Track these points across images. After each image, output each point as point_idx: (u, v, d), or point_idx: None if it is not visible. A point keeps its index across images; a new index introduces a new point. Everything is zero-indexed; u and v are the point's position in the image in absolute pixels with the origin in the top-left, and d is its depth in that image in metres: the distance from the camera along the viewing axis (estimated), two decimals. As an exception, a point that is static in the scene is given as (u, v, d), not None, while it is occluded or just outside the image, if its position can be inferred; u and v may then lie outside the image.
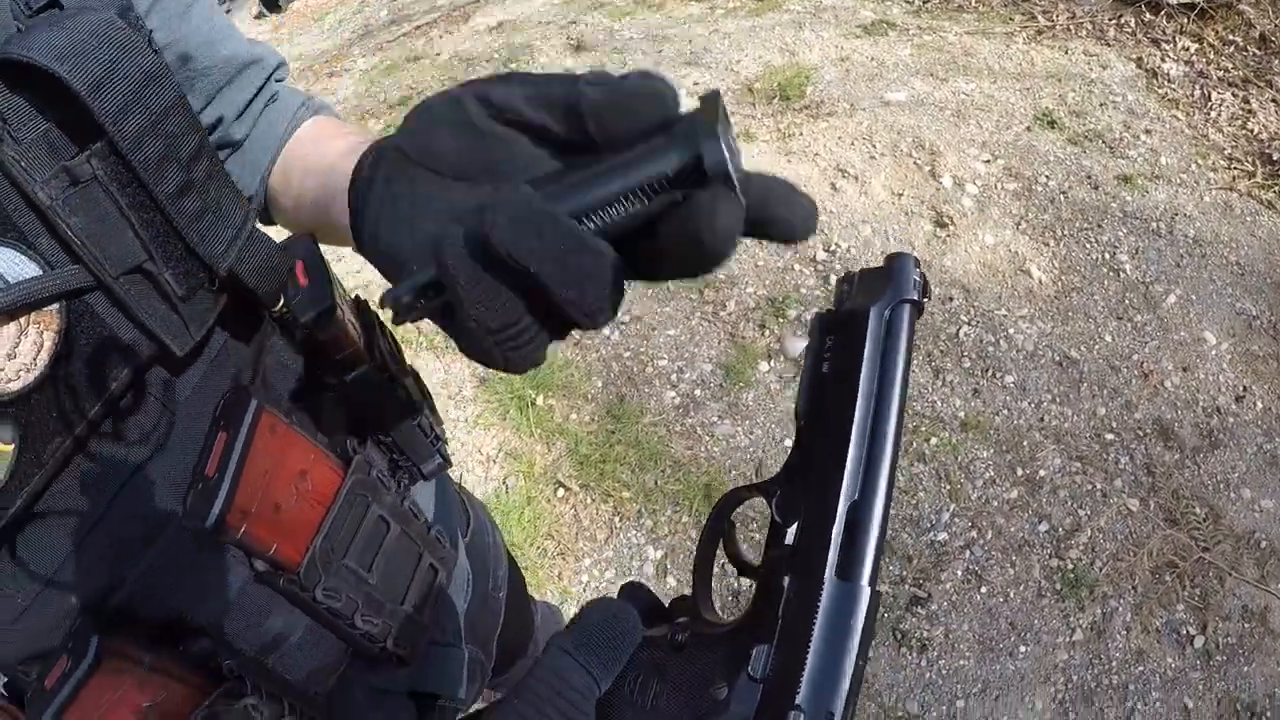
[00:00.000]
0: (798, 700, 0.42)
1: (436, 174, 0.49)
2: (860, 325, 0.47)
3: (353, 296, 0.84)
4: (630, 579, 0.61)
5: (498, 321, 0.43)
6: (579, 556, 2.35)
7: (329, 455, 0.70)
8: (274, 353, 0.76)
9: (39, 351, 0.53)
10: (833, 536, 0.44)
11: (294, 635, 0.73)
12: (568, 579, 2.32)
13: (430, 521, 0.83)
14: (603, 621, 0.49)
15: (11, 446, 0.53)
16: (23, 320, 0.53)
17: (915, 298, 0.47)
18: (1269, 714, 2.20)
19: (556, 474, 2.45)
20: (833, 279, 2.90)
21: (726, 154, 0.40)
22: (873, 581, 0.44)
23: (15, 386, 0.53)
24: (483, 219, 0.41)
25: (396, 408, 0.84)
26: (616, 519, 2.39)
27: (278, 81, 0.85)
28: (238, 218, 0.62)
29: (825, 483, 0.46)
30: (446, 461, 0.94)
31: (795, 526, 0.47)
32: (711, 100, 0.42)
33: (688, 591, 0.56)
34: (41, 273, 0.52)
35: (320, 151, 0.80)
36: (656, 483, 2.43)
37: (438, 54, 3.77)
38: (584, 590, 2.30)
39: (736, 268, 2.93)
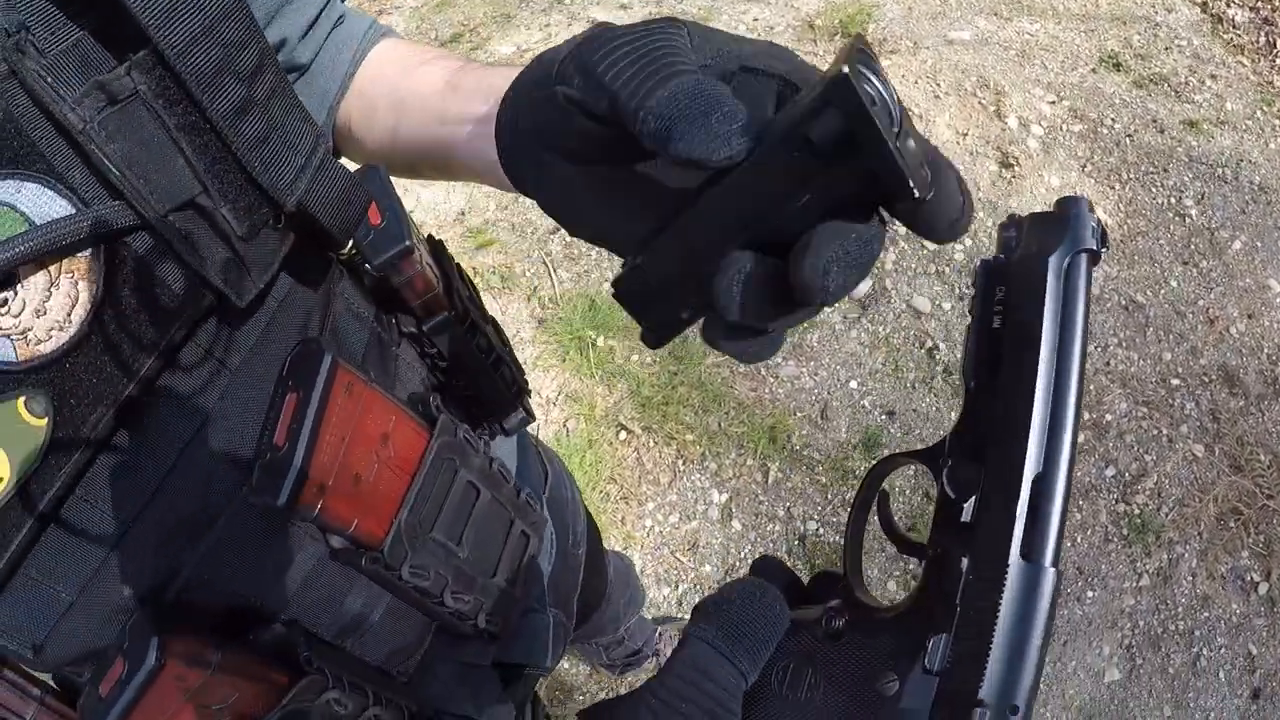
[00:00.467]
0: (980, 694, 0.37)
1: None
2: (1038, 276, 0.41)
3: (426, 235, 0.74)
4: (764, 553, 0.52)
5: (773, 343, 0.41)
6: (642, 501, 2.25)
7: (411, 416, 0.60)
8: (343, 300, 0.65)
9: (73, 306, 0.43)
10: (1017, 513, 0.39)
11: (375, 614, 0.64)
12: (631, 524, 2.22)
13: (518, 484, 0.73)
14: (747, 607, 0.42)
15: (45, 420, 0.42)
16: (53, 269, 0.42)
17: (1094, 247, 0.41)
18: (1340, 665, 2.08)
19: (618, 416, 2.33)
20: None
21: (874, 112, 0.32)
22: (1056, 562, 0.39)
23: (47, 349, 0.42)
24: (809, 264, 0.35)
25: (478, 358, 0.75)
26: (680, 462, 2.29)
27: (342, 1, 0.73)
28: (307, 143, 0.51)
29: (1007, 453, 0.40)
30: (530, 415, 0.84)
31: (973, 501, 0.41)
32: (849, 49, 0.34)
33: (816, 561, 0.47)
34: (74, 211, 0.42)
35: (415, 82, 0.69)
36: (720, 425, 2.32)
37: None
38: (647, 535, 2.21)
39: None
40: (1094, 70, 3.13)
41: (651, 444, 2.31)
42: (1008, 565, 0.38)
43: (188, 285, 0.47)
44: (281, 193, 0.49)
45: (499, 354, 0.79)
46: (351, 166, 0.62)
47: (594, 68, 0.37)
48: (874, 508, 0.50)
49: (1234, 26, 3.41)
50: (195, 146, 0.44)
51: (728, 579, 2.14)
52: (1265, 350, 2.51)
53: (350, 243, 0.63)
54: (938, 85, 2.99)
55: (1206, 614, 2.13)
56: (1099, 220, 0.41)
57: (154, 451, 0.50)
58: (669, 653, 2.08)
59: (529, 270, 2.58)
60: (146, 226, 0.44)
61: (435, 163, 0.69)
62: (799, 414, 2.34)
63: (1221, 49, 3.31)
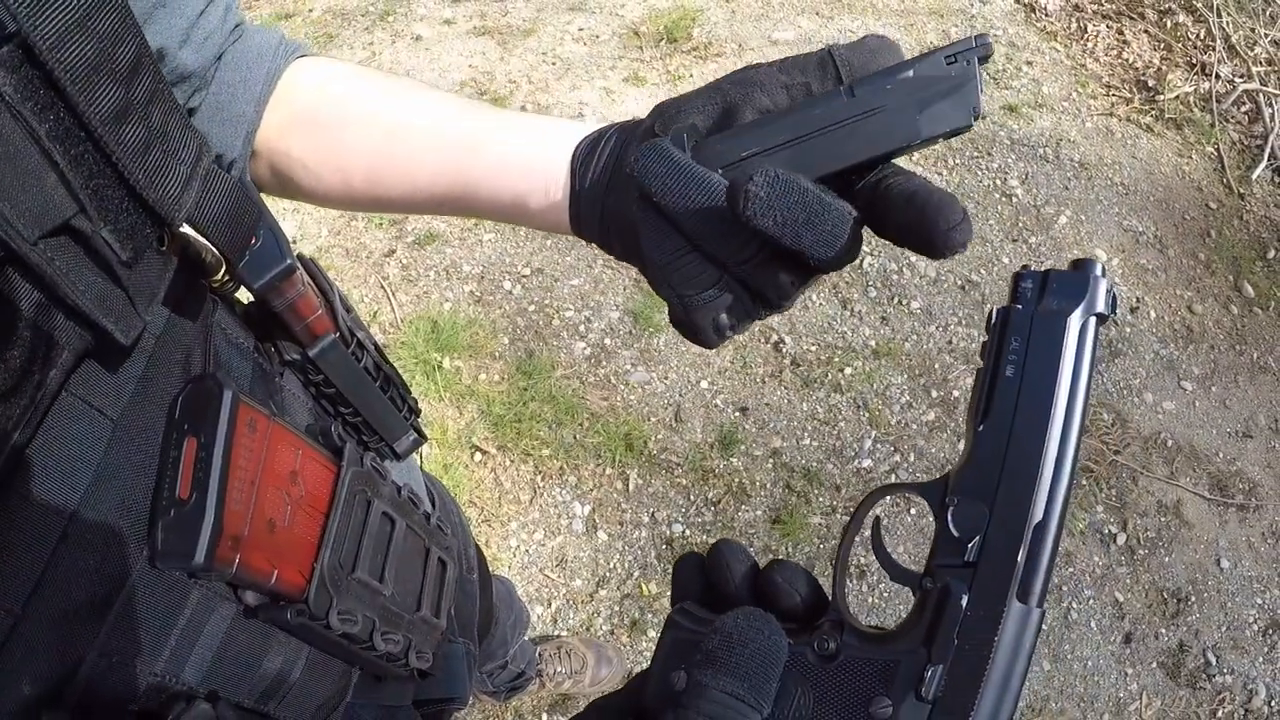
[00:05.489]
0: None
1: None
2: (1055, 334, 0.46)
3: (297, 253, 0.70)
4: (681, 554, 0.55)
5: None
6: (504, 521, 2.29)
7: (317, 448, 0.58)
8: (221, 331, 0.61)
9: None
10: (1019, 559, 0.44)
11: (295, 671, 0.60)
12: (496, 545, 2.25)
13: (426, 509, 0.73)
14: (759, 645, 0.45)
15: None
16: None
17: (1106, 312, 0.46)
18: (1193, 598, 2.28)
19: (471, 438, 2.38)
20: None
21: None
22: (1042, 603, 0.44)
23: None
24: (736, 191, 0.48)
25: (366, 381, 0.74)
26: (539, 478, 2.34)
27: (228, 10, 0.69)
28: (191, 151, 0.48)
29: (1015, 501, 0.44)
30: (422, 436, 0.85)
31: (976, 542, 0.45)
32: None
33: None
34: None
35: (410, 112, 0.67)
36: (576, 437, 2.39)
37: (310, 9, 3.59)
38: (513, 555, 2.25)
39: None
40: (915, 63, 3.39)
41: (508, 463, 2.36)
42: (1005, 606, 0.43)
43: (62, 324, 0.42)
44: (169, 208, 0.45)
45: (387, 374, 0.77)
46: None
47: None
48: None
49: (1046, 14, 3.74)
50: (71, 159, 0.39)
51: (599, 591, 2.21)
52: (1099, 316, 2.75)
53: (223, 267, 0.60)
54: (765, 84, 3.19)
55: (1071, 569, 2.31)
56: (1111, 283, 0.48)
57: (35, 526, 0.44)
58: (551, 671, 2.09)
59: (367, 295, 2.61)
60: (11, 257, 0.38)
61: (444, 198, 0.68)
62: (653, 419, 2.43)
63: (1036, 36, 3.63)
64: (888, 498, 0.53)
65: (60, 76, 0.38)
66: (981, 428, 0.47)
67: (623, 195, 0.57)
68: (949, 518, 0.46)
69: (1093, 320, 0.46)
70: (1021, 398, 0.46)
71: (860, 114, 0.50)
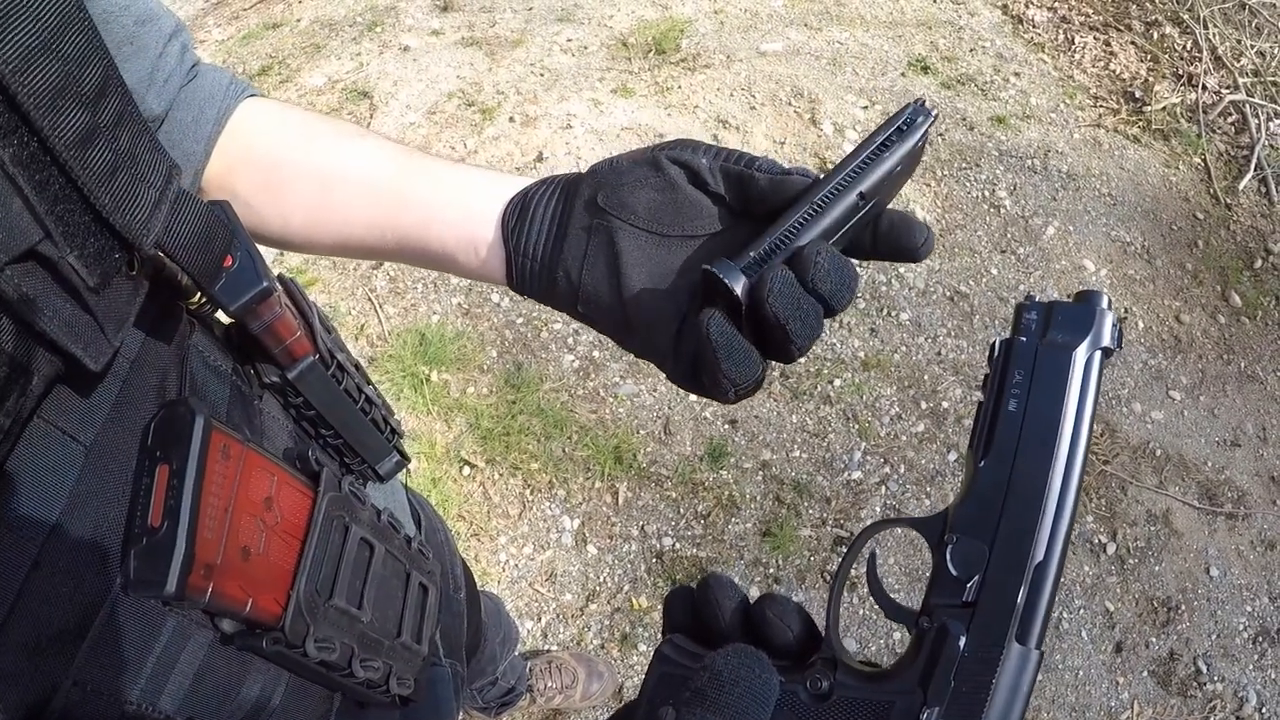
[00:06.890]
0: None
1: (630, 226, 0.59)
2: (1060, 368, 0.45)
3: (277, 275, 0.70)
4: (671, 589, 0.55)
5: (745, 376, 0.53)
6: (494, 535, 2.29)
7: (293, 474, 0.57)
8: (198, 354, 0.60)
9: None
10: (1019, 600, 0.43)
11: (275, 698, 0.60)
12: (485, 560, 2.25)
13: (407, 533, 0.72)
14: (749, 685, 0.43)
15: None
16: None
17: (1112, 346, 0.46)
18: (1183, 607, 2.28)
19: (460, 451, 2.37)
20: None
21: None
22: (1040, 644, 0.44)
23: None
24: (757, 291, 0.51)
25: (346, 403, 0.73)
26: (528, 492, 2.34)
27: (185, 49, 0.70)
28: (159, 175, 0.47)
29: (1016, 541, 0.44)
30: (405, 458, 0.84)
31: (975, 582, 0.44)
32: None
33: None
34: None
35: (349, 160, 0.69)
36: (565, 450, 2.38)
37: (298, 20, 3.60)
38: (502, 570, 2.24)
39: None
40: (903, 74, 3.40)
41: (497, 476, 2.36)
42: (1004, 647, 0.42)
43: (30, 351, 0.41)
44: (137, 233, 0.44)
45: (368, 396, 0.77)
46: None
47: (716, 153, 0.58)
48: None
49: (1034, 26, 3.76)
50: (36, 184, 0.38)
51: (589, 605, 2.20)
52: (1087, 327, 2.76)
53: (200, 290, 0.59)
54: (753, 97, 3.20)
55: (1061, 579, 2.31)
56: (1117, 317, 0.47)
57: (7, 554, 0.43)
58: (542, 686, 2.08)
59: (354, 308, 2.61)
60: None
61: (378, 247, 0.69)
62: (642, 431, 2.43)
63: (1023, 48, 3.65)
64: (884, 531, 0.53)
65: (24, 101, 0.37)
66: (982, 463, 0.46)
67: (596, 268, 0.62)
68: (947, 556, 0.45)
69: (1098, 355, 0.45)
70: (1025, 433, 0.45)
71: (868, 204, 0.54)
